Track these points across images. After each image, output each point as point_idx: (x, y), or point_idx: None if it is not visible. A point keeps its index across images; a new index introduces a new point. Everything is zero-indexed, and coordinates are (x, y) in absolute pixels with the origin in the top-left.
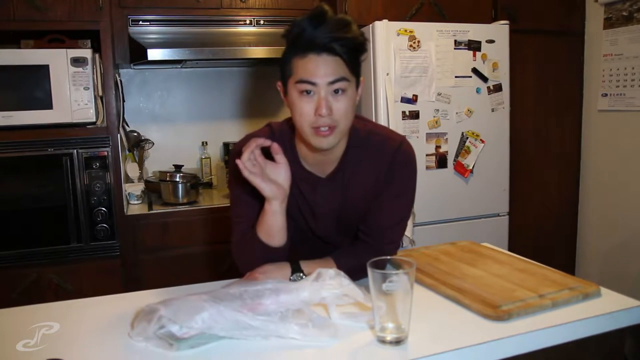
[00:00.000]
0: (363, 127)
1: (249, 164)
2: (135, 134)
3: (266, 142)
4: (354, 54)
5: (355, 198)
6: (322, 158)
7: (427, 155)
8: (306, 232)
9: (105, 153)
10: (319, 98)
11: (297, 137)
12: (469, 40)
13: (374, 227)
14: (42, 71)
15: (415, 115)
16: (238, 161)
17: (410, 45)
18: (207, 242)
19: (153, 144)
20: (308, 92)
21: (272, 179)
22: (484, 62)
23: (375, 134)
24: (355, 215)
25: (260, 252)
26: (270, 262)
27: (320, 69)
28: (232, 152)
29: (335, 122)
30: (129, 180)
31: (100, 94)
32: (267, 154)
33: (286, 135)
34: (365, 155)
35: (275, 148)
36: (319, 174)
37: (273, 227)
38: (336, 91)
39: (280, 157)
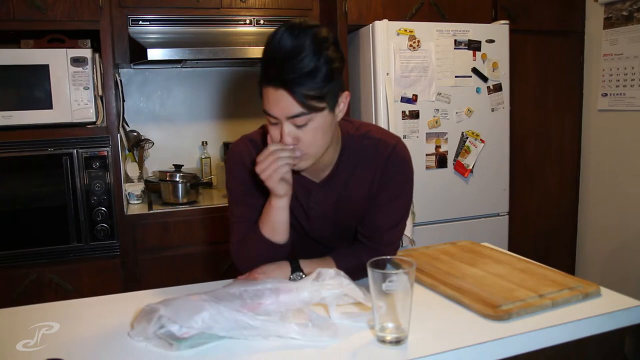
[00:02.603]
0: (356, 130)
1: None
2: (135, 133)
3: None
4: (312, 85)
5: (350, 202)
6: (315, 165)
7: (427, 155)
8: (301, 234)
9: (105, 153)
10: (282, 129)
11: None
12: (469, 40)
13: (373, 230)
14: (42, 71)
15: (415, 115)
16: (257, 169)
17: (410, 45)
18: (207, 242)
19: (153, 143)
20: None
21: (282, 177)
22: (484, 62)
23: (368, 138)
24: (350, 219)
25: (263, 249)
26: (273, 260)
27: (279, 103)
28: (228, 153)
29: (302, 150)
30: (129, 180)
31: (100, 93)
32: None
33: None
34: (360, 159)
35: None
36: (313, 179)
37: (278, 223)
38: (299, 125)
39: None
